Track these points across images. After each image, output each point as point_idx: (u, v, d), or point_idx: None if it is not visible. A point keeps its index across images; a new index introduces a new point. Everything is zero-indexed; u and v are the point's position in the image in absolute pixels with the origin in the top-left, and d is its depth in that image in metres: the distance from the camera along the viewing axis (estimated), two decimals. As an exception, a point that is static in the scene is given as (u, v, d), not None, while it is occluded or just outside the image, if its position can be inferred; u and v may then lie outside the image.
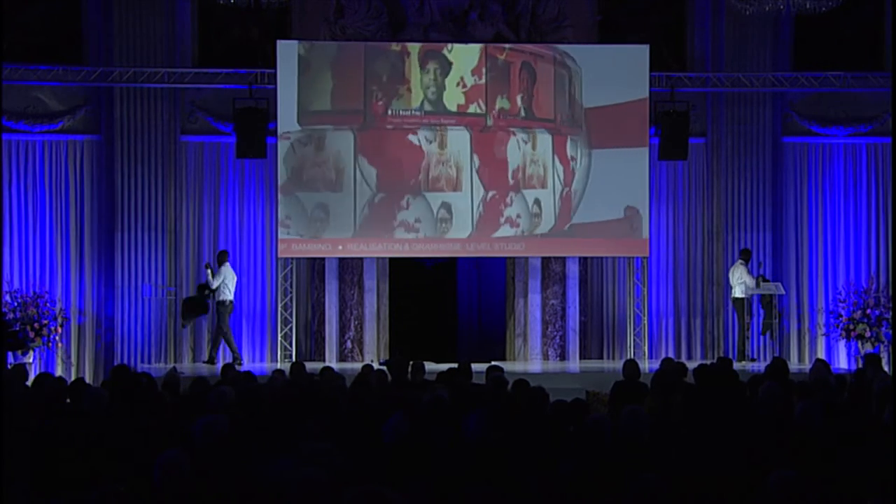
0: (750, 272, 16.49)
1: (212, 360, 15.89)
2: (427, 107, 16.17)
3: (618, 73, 16.38)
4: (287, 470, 5.58)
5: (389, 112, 16.14)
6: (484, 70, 16.21)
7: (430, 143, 16.19)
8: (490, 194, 16.28)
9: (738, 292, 16.52)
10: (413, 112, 16.15)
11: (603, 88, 16.35)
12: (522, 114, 16.30)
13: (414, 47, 16.23)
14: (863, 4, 17.42)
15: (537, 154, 16.33)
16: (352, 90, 16.10)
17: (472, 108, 16.23)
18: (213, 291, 15.88)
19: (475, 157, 16.23)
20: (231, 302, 15.98)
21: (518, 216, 16.30)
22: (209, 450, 6.15)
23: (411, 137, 16.19)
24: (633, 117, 16.36)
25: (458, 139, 16.21)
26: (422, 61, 16.21)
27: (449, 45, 16.28)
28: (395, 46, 16.23)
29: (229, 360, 15.54)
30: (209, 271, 15.90)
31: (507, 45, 16.39)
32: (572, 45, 16.63)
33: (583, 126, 16.36)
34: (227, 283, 15.93)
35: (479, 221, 16.24)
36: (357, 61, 16.11)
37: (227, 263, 16.03)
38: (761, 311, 16.85)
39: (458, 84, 16.20)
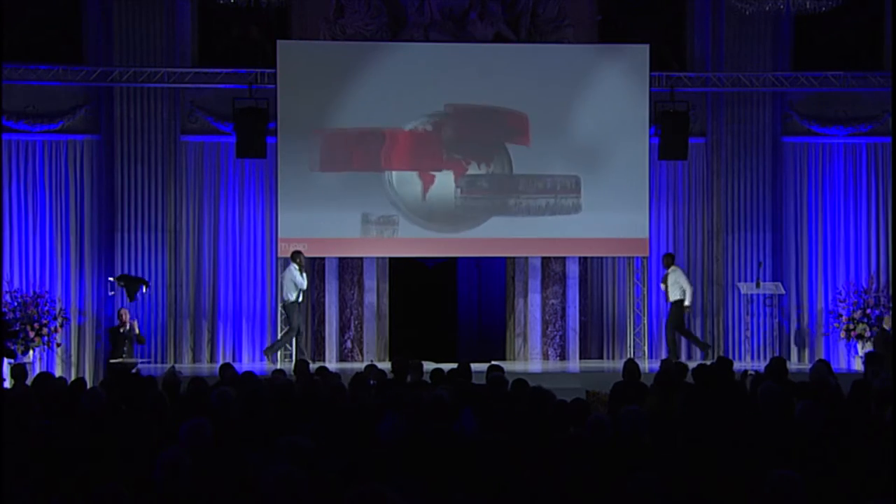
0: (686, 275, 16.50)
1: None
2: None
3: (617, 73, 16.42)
4: (264, 467, 5.57)
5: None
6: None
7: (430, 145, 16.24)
8: (491, 192, 16.29)
9: (678, 295, 16.44)
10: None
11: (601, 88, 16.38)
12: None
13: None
14: (863, 4, 17.40)
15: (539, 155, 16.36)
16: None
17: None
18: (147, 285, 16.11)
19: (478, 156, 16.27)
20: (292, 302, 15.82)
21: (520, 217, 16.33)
22: (195, 453, 6.15)
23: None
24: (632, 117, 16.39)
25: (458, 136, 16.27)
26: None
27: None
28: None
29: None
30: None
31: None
32: (572, 44, 16.64)
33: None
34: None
35: (480, 219, 16.27)
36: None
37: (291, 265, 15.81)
38: (763, 311, 16.83)
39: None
